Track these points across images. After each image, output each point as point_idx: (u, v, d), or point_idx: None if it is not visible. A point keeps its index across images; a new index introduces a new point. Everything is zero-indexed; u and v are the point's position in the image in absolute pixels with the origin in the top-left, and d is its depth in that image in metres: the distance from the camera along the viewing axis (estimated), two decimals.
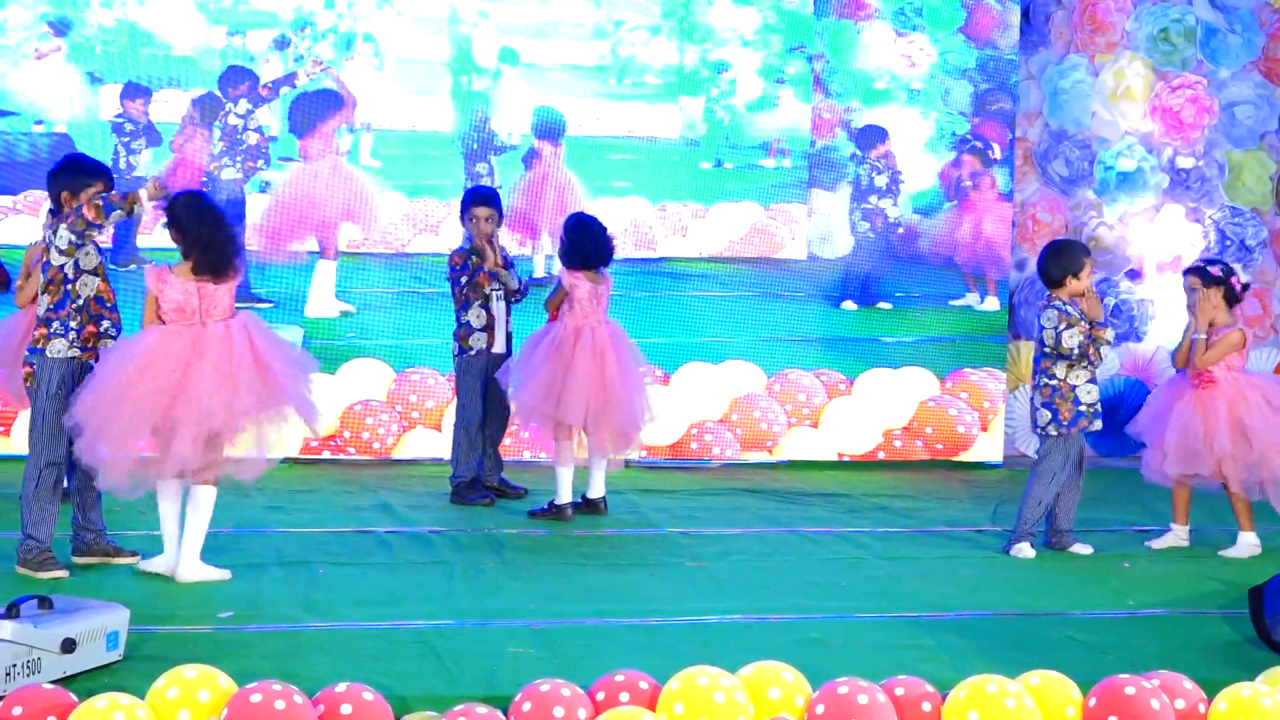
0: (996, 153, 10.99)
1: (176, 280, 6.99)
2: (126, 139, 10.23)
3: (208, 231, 7.00)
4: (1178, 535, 8.43)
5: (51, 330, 7.08)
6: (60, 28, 10.14)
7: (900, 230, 10.98)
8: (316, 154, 10.37)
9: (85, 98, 10.22)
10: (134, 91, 10.23)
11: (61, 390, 7.02)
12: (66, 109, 10.22)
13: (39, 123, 10.19)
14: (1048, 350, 8.10)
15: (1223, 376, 8.21)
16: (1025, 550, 8.12)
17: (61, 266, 7.05)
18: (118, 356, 6.96)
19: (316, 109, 10.32)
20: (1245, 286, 8.43)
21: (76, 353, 7.07)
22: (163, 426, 6.87)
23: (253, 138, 10.30)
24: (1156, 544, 8.39)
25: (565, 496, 8.80)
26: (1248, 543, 8.31)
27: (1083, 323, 8.04)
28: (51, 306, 7.08)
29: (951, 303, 11.04)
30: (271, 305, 10.23)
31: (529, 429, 9.13)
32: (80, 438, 6.90)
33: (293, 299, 10.37)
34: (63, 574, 7.05)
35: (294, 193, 10.37)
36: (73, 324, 7.07)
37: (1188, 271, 8.46)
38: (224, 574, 7.13)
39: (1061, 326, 8.03)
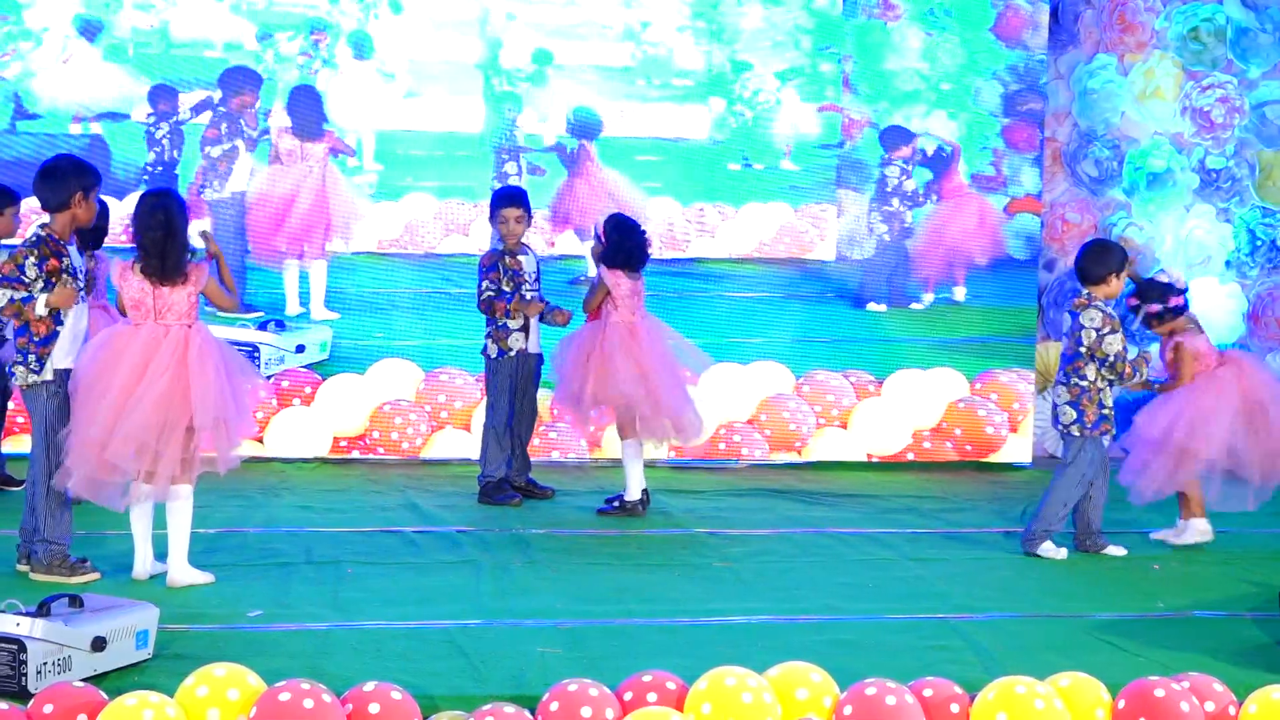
0: (961, 166, 10.97)
1: (134, 277, 7.00)
2: (158, 140, 10.26)
3: (155, 234, 6.95)
4: (1199, 530, 8.45)
5: (15, 359, 7.06)
6: (90, 31, 10.17)
7: (918, 228, 10.95)
8: (285, 153, 10.37)
9: (122, 98, 10.25)
10: (163, 93, 10.26)
11: (51, 408, 6.99)
12: (104, 110, 10.24)
13: (78, 120, 10.22)
14: (1082, 351, 8.03)
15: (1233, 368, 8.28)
16: (1055, 551, 8.09)
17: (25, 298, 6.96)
18: (84, 362, 6.95)
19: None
20: (1178, 293, 8.38)
21: (37, 379, 6.98)
22: (132, 432, 6.83)
23: (226, 163, 10.31)
24: (1175, 539, 8.42)
25: (635, 493, 8.86)
26: (1197, 529, 8.42)
27: (1123, 331, 8.04)
28: (16, 330, 7.06)
29: (912, 305, 11.00)
30: (259, 315, 10.26)
31: (595, 422, 9.19)
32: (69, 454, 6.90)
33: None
34: (96, 576, 7.05)
35: (265, 195, 10.40)
36: (34, 352, 7.00)
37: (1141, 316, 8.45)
38: (208, 577, 7.07)
39: (1105, 330, 7.97)
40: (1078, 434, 8.07)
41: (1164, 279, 8.48)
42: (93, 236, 8.57)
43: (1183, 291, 8.48)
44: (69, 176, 7.07)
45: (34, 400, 7.06)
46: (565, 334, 9.08)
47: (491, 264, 9.06)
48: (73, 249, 7.11)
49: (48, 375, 6.98)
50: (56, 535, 7.05)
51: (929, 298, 11.01)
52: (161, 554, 7.12)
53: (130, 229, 7.09)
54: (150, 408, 6.84)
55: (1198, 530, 8.45)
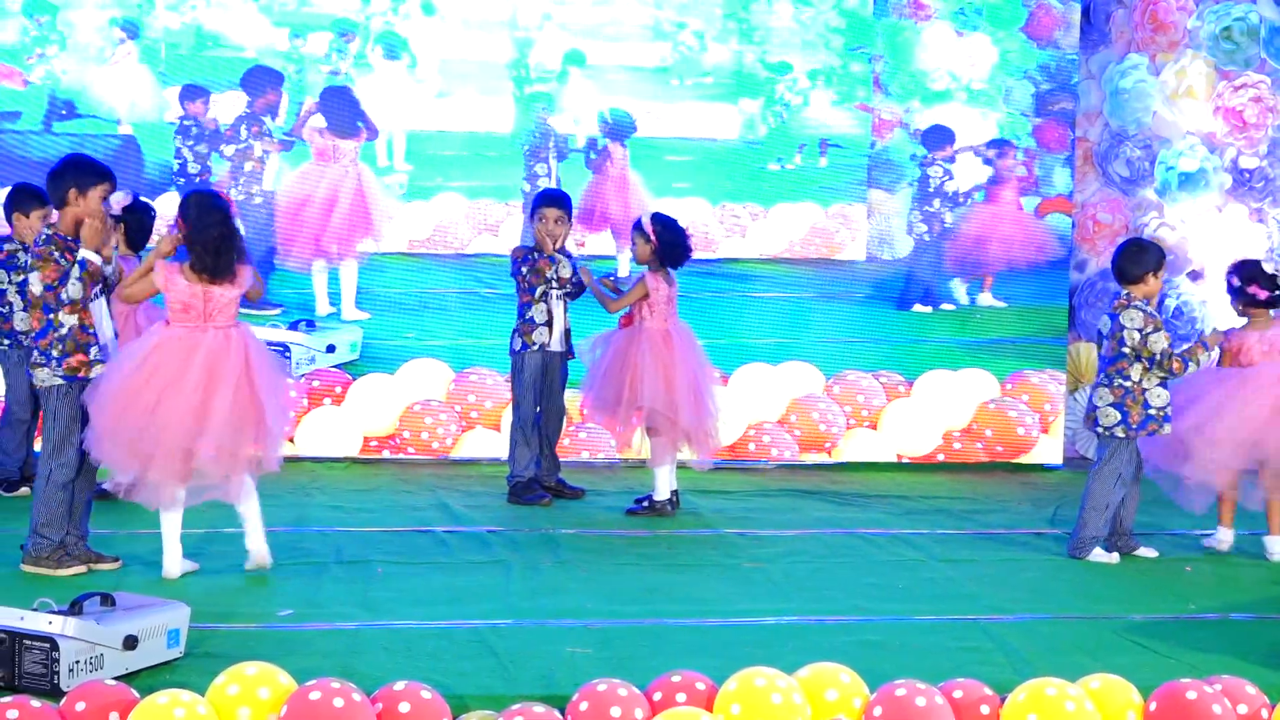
0: (1014, 157, 10.91)
1: (181, 278, 7.01)
2: (191, 141, 10.31)
3: (211, 231, 6.98)
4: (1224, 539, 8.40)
5: (33, 359, 7.10)
6: (131, 30, 10.22)
7: (960, 229, 10.93)
8: (318, 152, 10.40)
9: (154, 100, 10.30)
10: (194, 93, 10.30)
11: (64, 414, 7.02)
12: (137, 111, 10.29)
13: (116, 122, 10.27)
14: (1126, 351, 7.97)
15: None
16: (1106, 556, 8.04)
17: (45, 301, 7.01)
18: (123, 366, 6.96)
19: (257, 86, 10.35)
20: (1276, 290, 8.31)
21: (60, 381, 7.04)
22: (217, 437, 6.91)
23: (250, 165, 10.33)
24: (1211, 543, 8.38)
25: (664, 493, 8.89)
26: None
27: (1165, 329, 7.99)
28: (35, 334, 7.07)
29: (964, 306, 10.98)
30: (280, 310, 10.29)
31: (626, 425, 9.09)
32: (103, 456, 6.95)
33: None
34: (81, 569, 7.09)
35: (296, 195, 10.43)
36: (54, 353, 7.02)
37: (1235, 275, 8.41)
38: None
39: (1149, 329, 7.91)
40: (1122, 435, 8.00)
41: (1269, 269, 8.36)
42: (138, 237, 8.64)
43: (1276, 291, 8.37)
44: (65, 174, 7.13)
45: (51, 400, 7.08)
46: (597, 335, 9.07)
47: (525, 255, 9.08)
48: (60, 256, 7.08)
49: (58, 380, 7.03)
50: (50, 530, 7.09)
51: (985, 296, 10.99)
52: (189, 553, 7.17)
53: (180, 229, 7.06)
54: (229, 412, 6.92)
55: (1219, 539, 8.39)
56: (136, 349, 7.07)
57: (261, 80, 10.32)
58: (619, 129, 10.64)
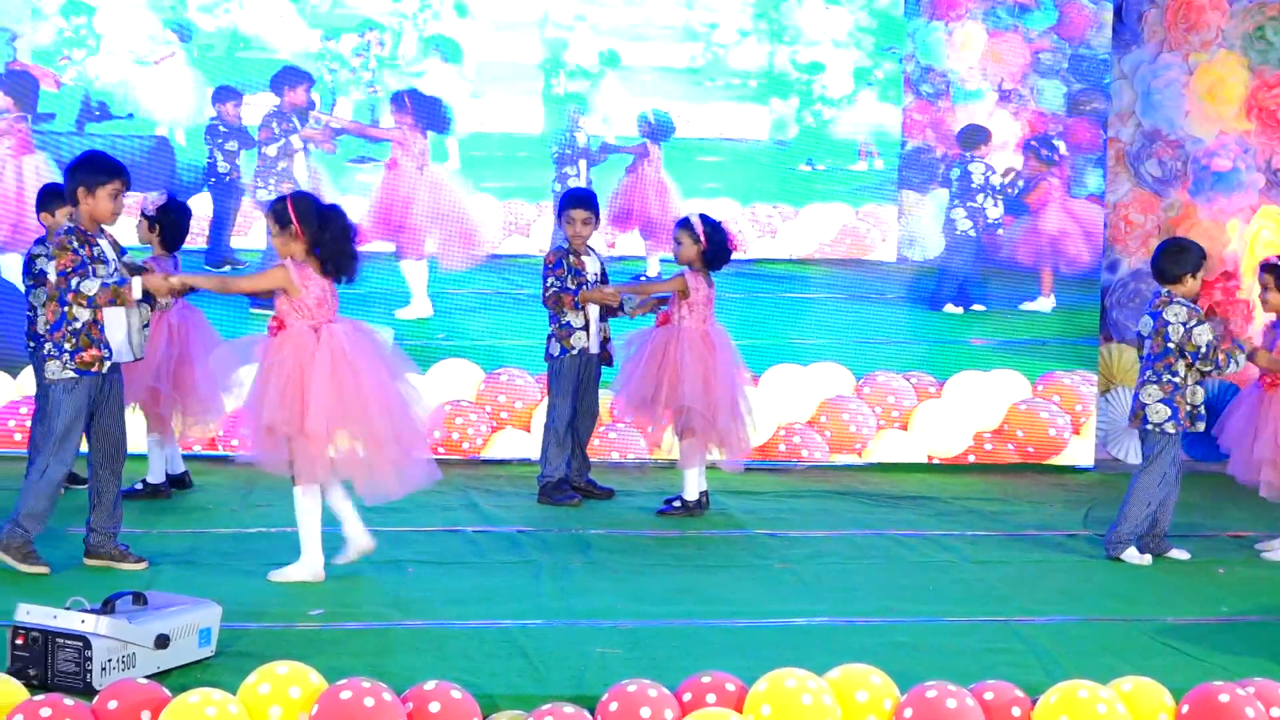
0: (1063, 149, 10.87)
1: (316, 277, 7.07)
2: (220, 140, 10.35)
3: (334, 231, 7.09)
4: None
5: (46, 351, 7.10)
6: (183, 34, 10.26)
7: (1000, 231, 10.91)
8: (404, 153, 10.44)
9: (197, 101, 10.34)
10: (226, 95, 10.34)
11: (69, 408, 7.03)
12: (180, 113, 10.33)
13: (152, 123, 10.31)
14: (1171, 347, 7.94)
15: None
16: (1139, 558, 8.01)
17: (60, 288, 7.02)
18: (290, 358, 7.00)
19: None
20: None
21: (72, 374, 7.03)
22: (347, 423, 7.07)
23: (282, 164, 10.36)
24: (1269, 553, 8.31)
25: (693, 494, 8.92)
26: None
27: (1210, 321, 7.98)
28: (49, 326, 7.07)
29: (1021, 306, 10.95)
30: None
31: (657, 424, 9.09)
32: (278, 437, 7.03)
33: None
34: (44, 570, 7.08)
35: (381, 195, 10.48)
36: (67, 346, 7.02)
37: (1264, 268, 8.37)
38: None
39: (1192, 323, 7.90)
40: (1172, 430, 7.95)
41: None
42: (174, 237, 8.68)
43: None
44: (75, 173, 7.15)
45: (57, 393, 7.06)
46: (632, 332, 9.07)
47: (557, 261, 9.09)
48: (104, 241, 7.14)
49: (69, 374, 7.03)
50: (31, 524, 7.09)
51: (1047, 301, 10.96)
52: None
53: (289, 230, 7.07)
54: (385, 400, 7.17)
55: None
56: (284, 354, 7.02)
57: (290, 80, 10.34)
58: (659, 130, 10.65)
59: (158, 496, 8.84)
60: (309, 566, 7.16)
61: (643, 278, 9.90)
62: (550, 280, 9.07)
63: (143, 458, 8.78)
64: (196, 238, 9.67)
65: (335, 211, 7.20)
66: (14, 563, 7.08)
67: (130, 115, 10.28)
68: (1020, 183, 10.91)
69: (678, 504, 8.96)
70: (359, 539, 7.28)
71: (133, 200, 9.36)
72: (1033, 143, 10.87)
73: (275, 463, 7.11)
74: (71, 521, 7.60)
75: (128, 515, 7.45)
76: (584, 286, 9.05)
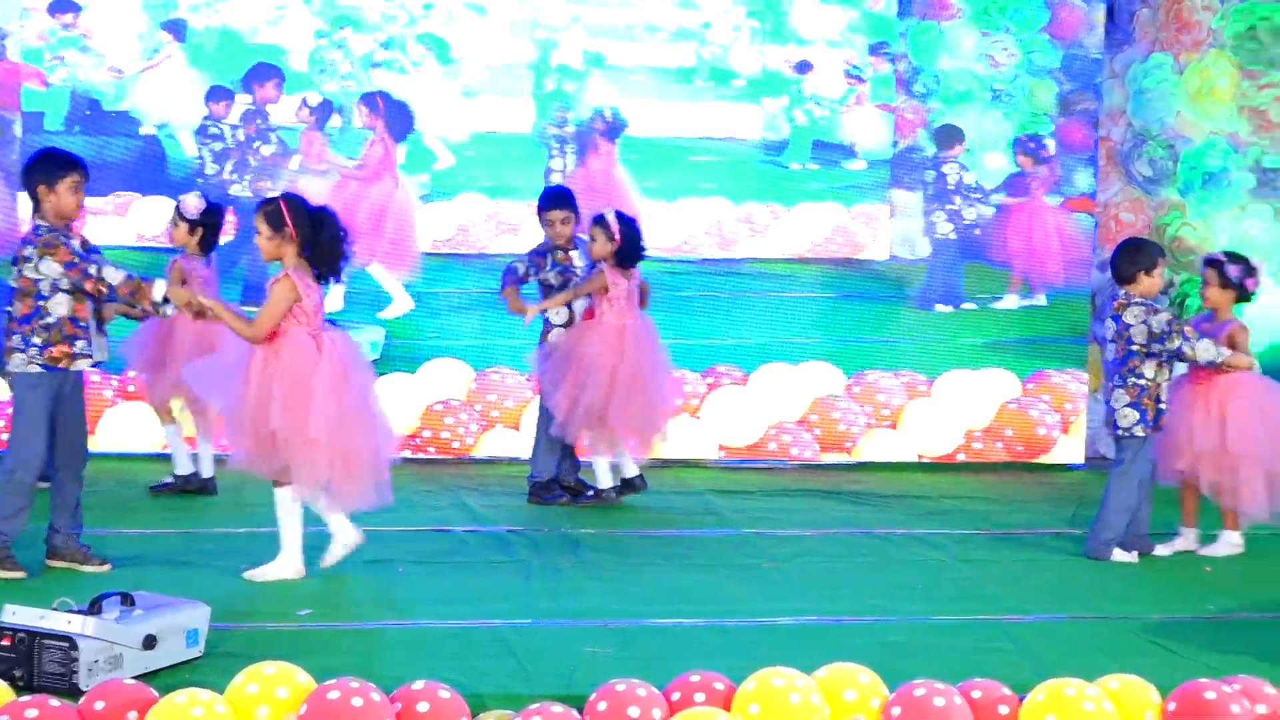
0: (1051, 149, 10.89)
1: (313, 284, 7.08)
2: (208, 140, 10.33)
3: (330, 233, 7.09)
4: (1186, 539, 8.33)
5: (13, 344, 7.01)
6: (177, 31, 10.25)
7: (977, 231, 10.92)
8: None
9: (191, 101, 10.33)
10: (219, 94, 10.33)
11: (31, 405, 6.97)
12: (176, 113, 10.33)
13: (138, 123, 10.31)
14: (1136, 349, 7.96)
15: (1221, 375, 8.13)
16: (1127, 555, 8.02)
17: (36, 280, 6.94)
18: (292, 366, 6.99)
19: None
20: (1253, 279, 8.29)
21: (37, 368, 6.97)
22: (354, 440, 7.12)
23: (266, 149, 10.34)
24: (1163, 550, 8.25)
25: (606, 481, 9.02)
26: (1229, 541, 8.25)
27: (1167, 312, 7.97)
28: (20, 318, 6.98)
29: (993, 305, 10.96)
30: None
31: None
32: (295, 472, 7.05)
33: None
34: (20, 574, 7.01)
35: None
36: (36, 340, 6.95)
37: (1207, 262, 8.36)
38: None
39: (1148, 315, 7.92)
40: (1141, 434, 7.97)
41: (1256, 262, 8.39)
42: (213, 239, 8.66)
43: (1252, 288, 8.33)
44: (31, 171, 7.09)
45: (20, 388, 7.01)
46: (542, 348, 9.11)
47: (540, 250, 9.07)
48: (75, 240, 7.04)
49: (34, 368, 6.99)
50: (7, 526, 7.05)
51: (1014, 298, 10.97)
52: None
53: (282, 232, 7.05)
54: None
55: (1230, 543, 8.32)
56: (284, 361, 7.00)
57: (260, 76, 10.32)
58: (613, 128, 10.63)
59: (205, 491, 8.89)
60: (288, 564, 7.15)
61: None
62: (525, 259, 9.06)
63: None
64: None
65: (328, 213, 7.19)
66: (78, 565, 7.07)
67: (119, 115, 10.27)
68: (999, 192, 10.92)
69: (592, 494, 9.04)
70: (346, 532, 7.25)
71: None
72: (1022, 139, 10.88)
73: (269, 468, 7.10)
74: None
75: (137, 514, 7.42)
76: (571, 283, 9.05)
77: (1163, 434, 8.08)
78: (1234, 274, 8.21)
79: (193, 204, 8.65)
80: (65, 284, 6.95)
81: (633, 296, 8.91)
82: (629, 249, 8.86)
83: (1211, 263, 8.32)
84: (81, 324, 7.04)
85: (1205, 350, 7.92)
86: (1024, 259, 10.97)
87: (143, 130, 10.33)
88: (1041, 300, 10.99)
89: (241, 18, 10.33)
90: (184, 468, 8.93)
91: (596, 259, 8.91)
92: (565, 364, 8.85)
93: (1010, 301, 11.01)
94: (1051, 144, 10.90)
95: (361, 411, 7.13)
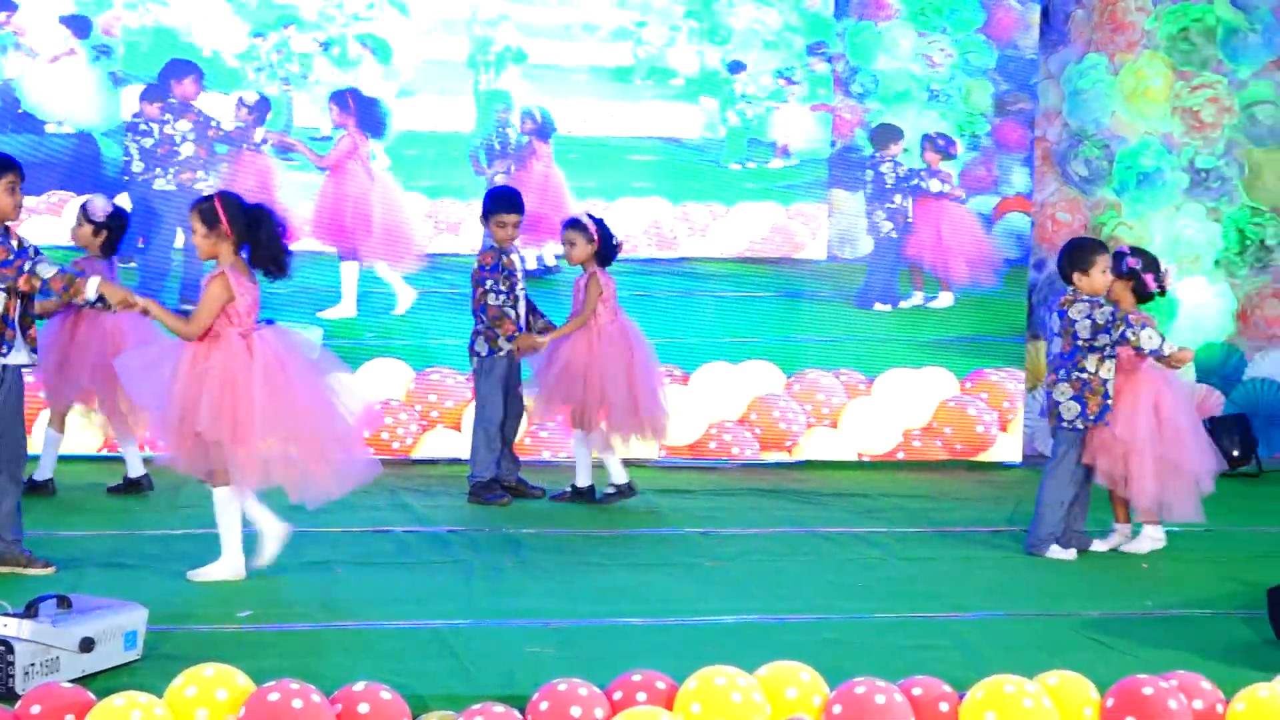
0: (960, 148, 10.95)
1: (249, 283, 7.03)
2: (140, 137, 10.24)
3: (268, 230, 7.05)
4: (1120, 535, 8.40)
5: None
6: (79, 28, 10.16)
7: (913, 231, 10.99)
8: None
9: (105, 100, 10.24)
10: (154, 94, 10.25)
11: (11, 400, 6.92)
12: (86, 112, 10.23)
13: (48, 122, 10.20)
14: (1080, 344, 8.03)
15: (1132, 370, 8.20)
16: (1064, 552, 8.07)
17: (4, 277, 6.86)
18: (222, 367, 6.93)
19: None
20: (1161, 287, 8.35)
21: None
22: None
23: (189, 148, 10.27)
24: (1100, 546, 8.32)
25: (621, 477, 9.12)
26: (1150, 536, 8.33)
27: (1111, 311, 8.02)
28: None
29: (901, 304, 11.01)
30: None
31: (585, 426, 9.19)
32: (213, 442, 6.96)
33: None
34: (49, 570, 7.02)
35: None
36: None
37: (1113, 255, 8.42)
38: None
39: (1092, 310, 7.99)
40: (1082, 427, 8.03)
41: (1164, 265, 8.47)
42: (116, 243, 8.63)
43: (1161, 290, 8.39)
44: None
45: None
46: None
47: (494, 264, 9.05)
48: (12, 240, 6.92)
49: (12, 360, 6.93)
50: (10, 531, 7.02)
51: (920, 296, 11.03)
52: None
53: (217, 229, 7.00)
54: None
55: (1150, 537, 8.39)
56: (214, 362, 6.93)
57: (177, 73, 10.23)
58: (544, 128, 10.63)
59: (137, 490, 8.86)
60: (229, 565, 7.11)
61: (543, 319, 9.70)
62: (490, 283, 9.03)
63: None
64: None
65: (264, 210, 7.15)
66: (20, 569, 6.97)
67: (35, 115, 10.16)
68: (922, 180, 10.97)
69: (611, 489, 9.09)
70: (271, 526, 7.19)
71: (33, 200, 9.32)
72: (932, 135, 10.92)
73: (197, 468, 7.06)
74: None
75: (76, 516, 7.35)
76: (516, 287, 9.05)
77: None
78: (1127, 265, 8.25)
79: (99, 206, 8.72)
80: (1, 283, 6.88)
81: (615, 297, 9.04)
82: (606, 247, 8.92)
83: (1116, 255, 8.34)
84: (10, 321, 6.94)
85: (1149, 339, 7.98)
86: (931, 257, 11.03)
87: (49, 129, 10.20)
88: (949, 300, 11.03)
89: (175, 16, 10.24)
90: (136, 471, 8.91)
91: (576, 263, 9.00)
92: (577, 371, 8.90)
93: (917, 299, 11.03)
94: (961, 143, 10.95)
95: (312, 401, 7.07)
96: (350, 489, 7.25)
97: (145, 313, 7.08)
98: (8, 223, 6.99)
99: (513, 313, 9.07)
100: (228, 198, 7.13)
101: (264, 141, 10.31)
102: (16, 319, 6.97)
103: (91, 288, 6.88)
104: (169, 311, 7.09)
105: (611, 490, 9.12)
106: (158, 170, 10.22)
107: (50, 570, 7.11)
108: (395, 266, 10.48)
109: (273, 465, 7.04)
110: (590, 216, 9.07)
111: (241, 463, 6.98)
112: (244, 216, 7.03)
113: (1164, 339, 8.04)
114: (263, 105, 10.39)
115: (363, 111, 10.36)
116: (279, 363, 7.02)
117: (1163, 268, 8.41)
